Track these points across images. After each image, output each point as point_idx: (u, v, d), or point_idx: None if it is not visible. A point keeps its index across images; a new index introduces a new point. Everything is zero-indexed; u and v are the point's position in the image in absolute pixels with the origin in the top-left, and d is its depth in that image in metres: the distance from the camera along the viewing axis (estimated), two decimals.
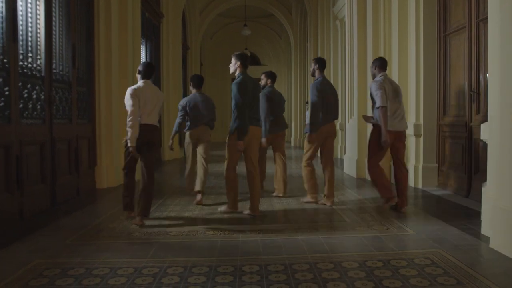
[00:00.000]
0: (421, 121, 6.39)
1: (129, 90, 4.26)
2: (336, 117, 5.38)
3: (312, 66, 5.40)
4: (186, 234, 3.99)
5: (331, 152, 5.37)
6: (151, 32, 10.63)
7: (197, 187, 5.43)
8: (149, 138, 4.31)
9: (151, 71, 4.48)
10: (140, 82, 4.38)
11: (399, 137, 4.84)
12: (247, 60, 4.78)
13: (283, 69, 20.90)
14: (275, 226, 4.28)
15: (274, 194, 5.91)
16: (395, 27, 6.73)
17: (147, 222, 4.44)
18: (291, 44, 17.06)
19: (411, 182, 6.50)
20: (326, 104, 5.09)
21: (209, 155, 5.68)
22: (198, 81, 5.73)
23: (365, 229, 4.07)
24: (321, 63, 5.34)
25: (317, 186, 5.36)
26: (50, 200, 5.35)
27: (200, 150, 5.57)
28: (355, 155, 7.79)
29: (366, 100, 7.53)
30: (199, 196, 5.38)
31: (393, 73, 6.80)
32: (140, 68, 4.46)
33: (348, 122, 8.42)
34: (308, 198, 5.35)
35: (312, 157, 5.24)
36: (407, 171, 5.05)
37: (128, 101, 4.20)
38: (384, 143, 4.65)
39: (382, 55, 7.03)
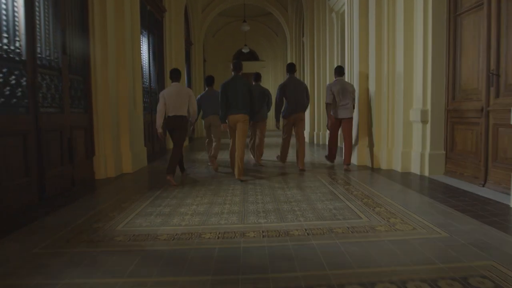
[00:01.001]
0: (428, 107, 5.28)
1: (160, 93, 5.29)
2: (304, 109, 6.15)
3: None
4: (178, 239, 2.92)
5: (302, 132, 6.28)
6: (154, 25, 9.42)
7: (209, 160, 6.55)
8: (173, 125, 5.21)
9: (174, 75, 5.40)
10: (171, 85, 5.38)
11: (345, 122, 6.10)
12: (235, 66, 5.55)
13: (279, 64, 19.68)
14: (280, 226, 3.20)
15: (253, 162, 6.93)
16: (400, 9, 5.57)
17: (138, 220, 3.37)
18: (287, 39, 15.80)
19: (416, 170, 5.42)
20: (291, 99, 6.07)
21: (219, 136, 6.53)
22: (210, 81, 6.68)
23: (387, 230, 3.00)
24: (288, 67, 6.26)
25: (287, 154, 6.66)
26: (38, 194, 4.26)
27: (212, 132, 6.54)
28: (355, 142, 6.68)
29: (368, 89, 6.41)
30: (214, 164, 6.31)
31: (398, 58, 5.67)
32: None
33: None
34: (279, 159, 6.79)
35: (287, 132, 6.36)
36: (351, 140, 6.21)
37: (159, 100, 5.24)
38: (329, 126, 6.28)
39: (385, 39, 5.89)
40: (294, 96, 6.01)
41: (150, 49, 9.13)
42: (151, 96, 9.08)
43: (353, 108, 6.13)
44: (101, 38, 5.80)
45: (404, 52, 5.54)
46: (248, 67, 19.66)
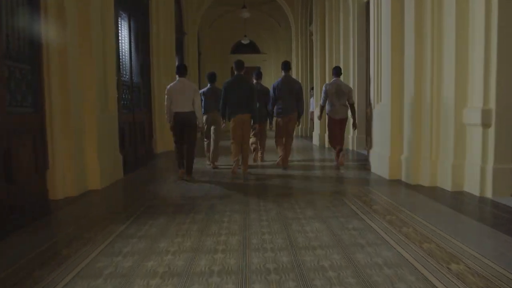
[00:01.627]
0: (492, 105, 4.08)
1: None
2: (295, 111, 6.29)
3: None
4: None
5: (291, 132, 6.44)
6: (136, 7, 8.19)
7: (209, 160, 6.68)
8: (182, 124, 5.32)
9: (180, 70, 5.52)
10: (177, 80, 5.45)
11: (340, 122, 6.40)
12: (238, 66, 5.79)
13: (282, 57, 18.42)
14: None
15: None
16: None
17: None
18: (292, 29, 14.54)
19: (473, 189, 4.22)
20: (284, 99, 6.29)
21: (220, 132, 6.64)
22: (212, 78, 6.75)
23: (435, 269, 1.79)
24: (283, 65, 6.49)
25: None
26: None
27: (212, 129, 6.57)
28: (386, 151, 5.47)
29: (402, 83, 5.20)
30: (213, 164, 6.55)
31: (447, 42, 4.46)
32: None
33: (374, 108, 6.09)
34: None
35: (278, 135, 6.49)
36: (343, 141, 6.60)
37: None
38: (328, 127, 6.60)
39: (429, 24, 4.68)
40: (287, 97, 6.24)
41: (132, 36, 7.90)
42: (132, 92, 7.85)
43: (348, 108, 6.44)
44: (58, 16, 4.58)
45: (456, 34, 4.33)
46: (248, 60, 18.41)
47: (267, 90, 6.85)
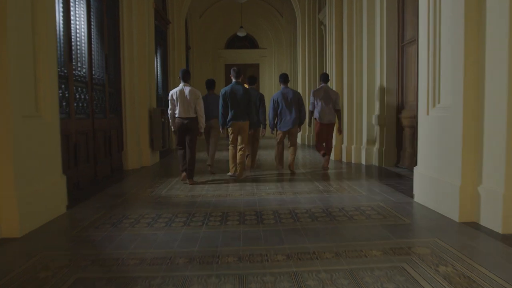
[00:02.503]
0: None
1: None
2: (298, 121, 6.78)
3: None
4: None
5: (294, 142, 6.96)
6: None
7: (208, 161, 6.99)
8: (185, 129, 5.69)
9: (184, 75, 5.82)
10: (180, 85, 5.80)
11: (327, 126, 6.98)
12: (236, 74, 6.25)
13: (284, 52, 16.89)
14: None
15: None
16: None
17: None
18: (298, 18, 12.96)
19: None
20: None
21: (217, 140, 7.07)
22: (211, 85, 7.09)
23: None
24: (281, 78, 6.94)
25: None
26: None
27: (212, 136, 7.00)
28: (452, 176, 3.86)
29: (483, 75, 3.61)
30: (211, 168, 6.93)
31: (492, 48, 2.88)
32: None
33: (428, 114, 4.45)
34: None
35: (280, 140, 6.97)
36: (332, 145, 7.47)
37: None
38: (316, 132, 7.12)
39: None
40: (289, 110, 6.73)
41: (93, 19, 6.31)
42: (92, 91, 6.23)
43: (336, 113, 7.01)
44: None
45: None
46: (245, 56, 16.92)
47: (261, 96, 7.16)
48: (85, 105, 5.99)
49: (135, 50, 7.81)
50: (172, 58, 12.12)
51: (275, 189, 5.44)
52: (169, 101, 5.78)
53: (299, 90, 13.06)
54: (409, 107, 6.92)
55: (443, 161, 4.06)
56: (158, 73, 10.82)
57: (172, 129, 5.90)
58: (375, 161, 7.53)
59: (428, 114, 4.44)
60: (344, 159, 8.33)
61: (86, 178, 5.90)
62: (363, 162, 7.73)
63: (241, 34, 14.94)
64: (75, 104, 5.62)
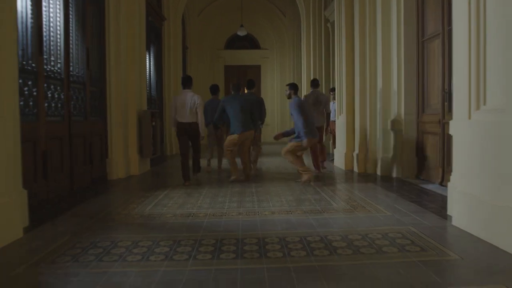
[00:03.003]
0: None
1: None
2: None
3: (287, 91, 6.52)
4: None
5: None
6: None
7: (218, 165, 7.72)
8: (185, 131, 5.92)
9: (186, 82, 6.13)
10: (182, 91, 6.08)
11: (317, 129, 6.63)
12: (236, 88, 6.54)
13: (287, 53, 16.11)
14: None
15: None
16: None
17: None
18: (302, 15, 12.14)
19: None
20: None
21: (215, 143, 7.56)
22: (214, 90, 7.52)
23: None
24: (295, 88, 6.54)
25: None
26: None
27: (211, 139, 7.60)
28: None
29: None
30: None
31: None
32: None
33: (470, 118, 3.63)
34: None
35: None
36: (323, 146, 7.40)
37: None
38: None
39: None
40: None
41: (72, 6, 5.51)
42: (69, 89, 5.42)
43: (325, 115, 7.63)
44: None
45: None
46: (246, 57, 16.14)
47: (261, 100, 7.41)
48: (59, 105, 5.18)
49: (123, 45, 7.01)
50: (167, 58, 11.33)
51: (280, 205, 4.61)
52: (172, 106, 6.05)
53: (304, 93, 12.24)
54: (432, 110, 6.11)
55: (494, 178, 3.23)
56: (152, 72, 10.02)
57: (175, 131, 6.18)
58: (391, 172, 6.70)
59: (470, 118, 3.62)
60: (355, 169, 7.49)
61: (59, 192, 5.08)
62: (378, 172, 6.90)
63: (241, 33, 14.15)
64: (46, 104, 4.82)
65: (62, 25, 5.24)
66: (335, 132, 8.94)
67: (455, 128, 3.94)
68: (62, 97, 5.25)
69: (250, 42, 16.46)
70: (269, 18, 16.06)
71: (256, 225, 3.78)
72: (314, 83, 7.72)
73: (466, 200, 3.56)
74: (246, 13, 14.78)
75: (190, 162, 6.22)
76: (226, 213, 4.28)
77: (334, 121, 8.92)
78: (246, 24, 14.30)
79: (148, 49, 9.58)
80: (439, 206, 4.47)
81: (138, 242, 3.25)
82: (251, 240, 3.28)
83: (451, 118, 5.47)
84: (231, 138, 6.30)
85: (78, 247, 3.18)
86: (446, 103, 5.62)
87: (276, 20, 16.07)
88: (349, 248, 3.05)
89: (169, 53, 11.38)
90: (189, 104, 5.83)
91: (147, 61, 9.48)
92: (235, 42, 16.34)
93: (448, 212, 4.03)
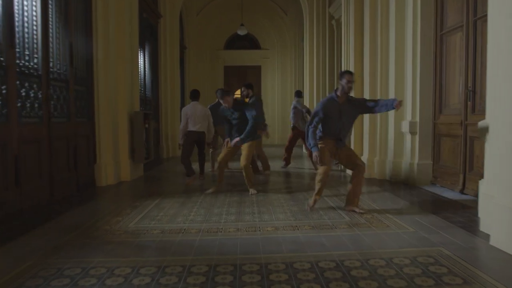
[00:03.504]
0: None
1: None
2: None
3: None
4: None
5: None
6: None
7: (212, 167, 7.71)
8: (194, 138, 6.37)
9: (194, 95, 6.55)
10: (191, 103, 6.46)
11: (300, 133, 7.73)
12: (220, 93, 5.52)
13: (288, 54, 15.52)
14: None
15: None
16: None
17: None
18: (305, 12, 11.57)
19: None
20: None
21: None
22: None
23: None
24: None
25: None
26: None
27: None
28: None
29: None
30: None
31: None
32: None
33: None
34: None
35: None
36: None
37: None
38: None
39: None
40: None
41: (46, 9, 4.95)
42: (48, 86, 4.84)
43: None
44: None
45: None
46: (246, 57, 15.57)
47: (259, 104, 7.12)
48: (36, 105, 4.59)
49: (112, 41, 6.42)
50: (164, 57, 10.74)
51: (285, 219, 4.02)
52: (182, 116, 6.37)
53: (306, 94, 11.67)
54: (450, 110, 5.53)
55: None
56: (146, 72, 9.44)
57: (180, 142, 6.44)
58: (404, 178, 6.10)
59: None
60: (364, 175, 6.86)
61: (37, 201, 4.50)
62: (389, 178, 6.31)
63: (241, 32, 13.57)
64: (19, 104, 4.23)
65: (39, 16, 4.65)
66: None
67: (491, 129, 3.35)
68: (40, 96, 4.66)
69: (250, 42, 15.88)
70: (270, 17, 15.48)
71: (257, 245, 3.19)
72: (298, 94, 8.34)
73: (510, 216, 2.96)
74: (246, 12, 14.22)
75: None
76: (222, 228, 3.69)
77: None
78: (246, 23, 13.72)
79: (142, 47, 9.01)
80: (467, 219, 3.89)
81: (114, 270, 2.67)
82: (251, 267, 2.69)
83: (475, 119, 4.91)
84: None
85: (41, 276, 2.60)
86: (469, 103, 5.03)
87: (277, 19, 15.48)
88: (373, 279, 2.45)
89: (165, 52, 10.80)
90: (201, 115, 6.33)
91: (141, 60, 8.91)
92: (235, 42, 15.75)
93: (482, 228, 3.45)
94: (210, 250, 3.06)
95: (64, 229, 3.73)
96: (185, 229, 3.68)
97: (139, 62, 8.53)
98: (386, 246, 3.11)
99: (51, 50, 4.91)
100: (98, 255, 3.01)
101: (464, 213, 4.14)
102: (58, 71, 5.12)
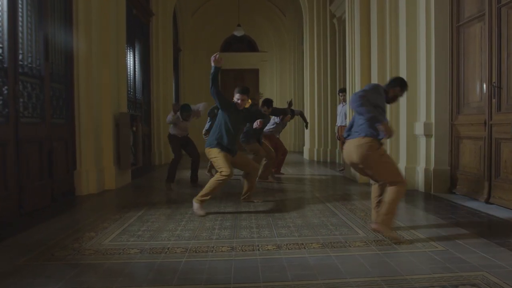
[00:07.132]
0: None
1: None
2: None
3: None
4: None
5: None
6: None
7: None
8: (181, 142, 6.21)
9: (183, 111, 6.16)
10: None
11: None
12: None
13: (287, 57, 14.99)
14: None
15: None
16: None
17: None
18: (305, 11, 11.05)
19: None
20: None
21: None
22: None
23: None
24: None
25: None
26: None
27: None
28: None
29: None
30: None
31: None
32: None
33: None
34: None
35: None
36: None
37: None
38: None
39: None
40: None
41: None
42: (16, 83, 4.25)
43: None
44: None
45: None
46: (243, 60, 15.03)
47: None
48: (0, 102, 3.99)
49: (96, 35, 5.85)
50: (156, 57, 10.18)
51: (289, 234, 3.42)
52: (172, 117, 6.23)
53: (307, 96, 11.12)
54: (471, 110, 4.97)
55: None
56: (136, 72, 8.87)
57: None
58: (419, 185, 5.52)
59: None
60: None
61: (0, 213, 3.87)
62: None
63: (238, 33, 13.03)
64: None
65: (5, 2, 4.08)
66: (344, 138, 7.74)
67: None
68: (6, 92, 4.07)
69: (247, 45, 15.35)
70: (268, 18, 14.96)
71: (256, 269, 2.58)
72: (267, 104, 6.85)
73: None
74: (243, 13, 13.70)
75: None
76: (213, 247, 3.08)
77: (343, 126, 7.76)
78: (243, 25, 13.18)
79: (131, 45, 8.46)
80: (502, 234, 3.31)
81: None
82: None
83: (502, 118, 4.34)
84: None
85: None
86: (494, 100, 4.47)
87: (275, 20, 14.97)
88: None
89: (158, 53, 10.24)
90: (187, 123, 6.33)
91: (130, 59, 8.35)
92: (232, 45, 15.21)
93: None
94: (197, 277, 2.46)
95: (23, 248, 3.12)
96: (169, 247, 3.07)
97: (128, 61, 7.97)
98: (415, 271, 2.51)
99: (20, 40, 4.33)
100: (56, 283, 2.39)
101: (497, 227, 3.56)
102: (30, 65, 4.53)
